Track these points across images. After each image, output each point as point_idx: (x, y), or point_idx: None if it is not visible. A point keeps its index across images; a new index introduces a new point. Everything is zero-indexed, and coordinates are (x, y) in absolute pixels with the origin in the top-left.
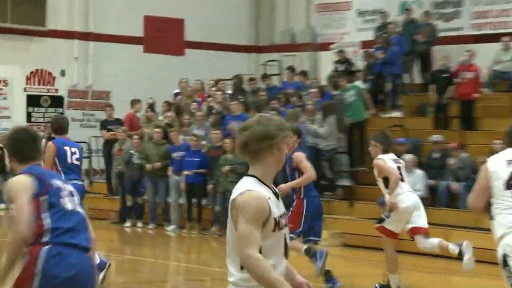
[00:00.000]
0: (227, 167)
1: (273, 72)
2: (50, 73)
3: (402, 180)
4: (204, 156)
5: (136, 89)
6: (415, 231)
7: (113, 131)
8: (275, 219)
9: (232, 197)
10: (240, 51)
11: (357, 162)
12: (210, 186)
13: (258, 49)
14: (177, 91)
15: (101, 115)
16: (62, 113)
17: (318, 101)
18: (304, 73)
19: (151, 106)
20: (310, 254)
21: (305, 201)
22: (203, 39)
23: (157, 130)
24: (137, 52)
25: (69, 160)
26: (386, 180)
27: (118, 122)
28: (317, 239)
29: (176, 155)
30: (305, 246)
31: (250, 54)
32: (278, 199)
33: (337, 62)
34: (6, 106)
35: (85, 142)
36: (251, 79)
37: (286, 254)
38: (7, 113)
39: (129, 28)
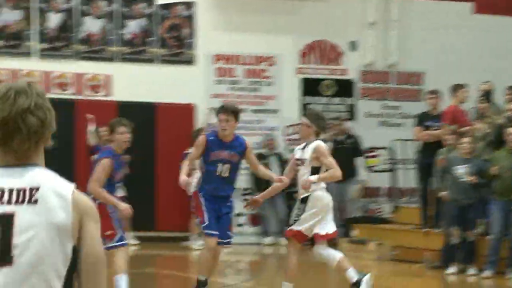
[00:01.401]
0: None
1: None
2: (334, 47)
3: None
4: None
5: (462, 68)
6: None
7: (434, 129)
8: None
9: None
10: None
11: None
12: None
13: None
14: None
15: (410, 108)
16: (351, 105)
17: None
18: None
19: (486, 94)
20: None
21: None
22: None
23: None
24: (463, 14)
25: None
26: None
27: (439, 118)
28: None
29: None
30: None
31: None
32: None
33: None
34: (272, 95)
35: (384, 148)
36: None
37: None
38: (275, 105)
39: None
